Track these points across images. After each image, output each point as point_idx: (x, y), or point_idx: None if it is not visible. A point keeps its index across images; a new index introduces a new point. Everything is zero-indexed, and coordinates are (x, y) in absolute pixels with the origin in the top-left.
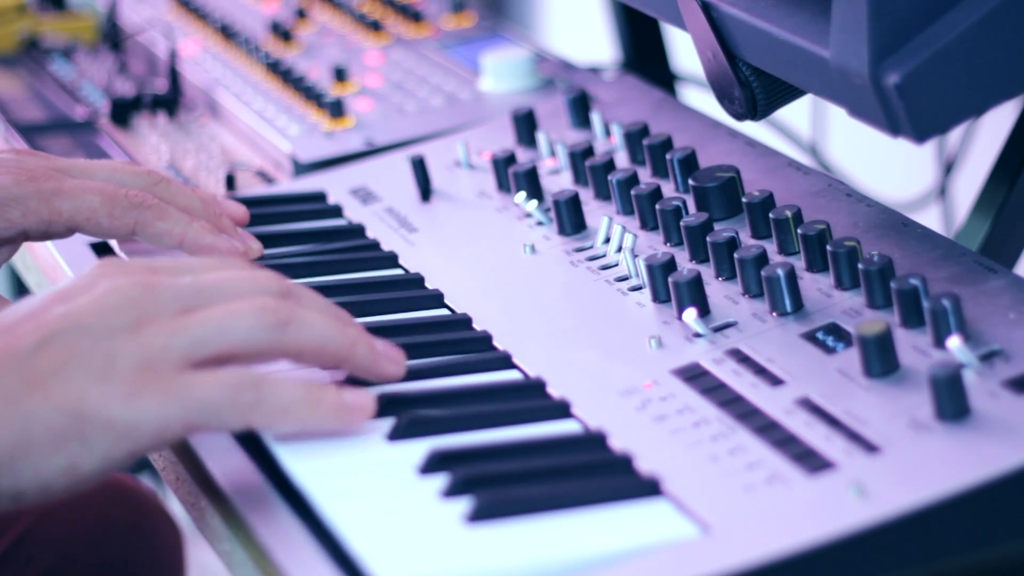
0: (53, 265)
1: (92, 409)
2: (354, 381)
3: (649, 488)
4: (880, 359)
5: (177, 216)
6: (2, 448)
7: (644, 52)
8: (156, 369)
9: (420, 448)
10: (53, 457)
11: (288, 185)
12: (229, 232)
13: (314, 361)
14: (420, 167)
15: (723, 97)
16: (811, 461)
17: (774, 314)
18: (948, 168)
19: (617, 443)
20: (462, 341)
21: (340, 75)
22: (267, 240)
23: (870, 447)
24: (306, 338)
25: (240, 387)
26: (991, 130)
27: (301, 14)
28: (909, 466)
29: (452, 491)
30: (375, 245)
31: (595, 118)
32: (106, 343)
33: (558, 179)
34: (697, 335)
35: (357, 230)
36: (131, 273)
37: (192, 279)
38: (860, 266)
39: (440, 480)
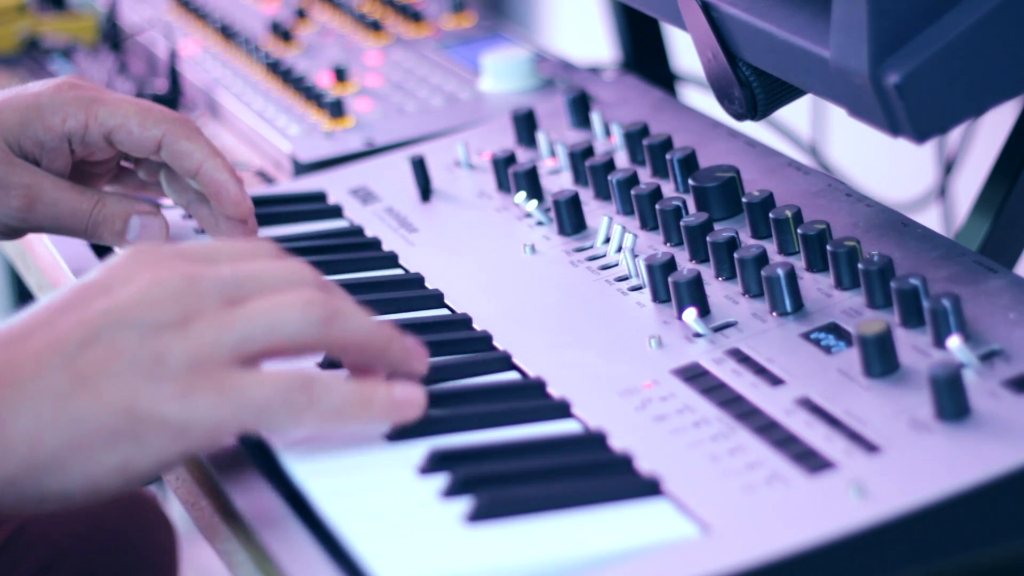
0: (53, 265)
1: (145, 408)
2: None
3: (649, 488)
4: (880, 359)
5: (204, 142)
6: (52, 448)
7: (644, 52)
8: (207, 367)
9: (420, 448)
10: (105, 456)
11: (288, 185)
12: None
13: (352, 356)
14: (420, 167)
15: (723, 97)
16: (811, 461)
17: (774, 314)
18: (948, 168)
19: (617, 443)
20: (462, 341)
21: (340, 75)
22: None
23: (870, 447)
24: (351, 333)
25: (292, 389)
26: (991, 130)
27: (301, 14)
28: (909, 466)
29: (452, 491)
30: (375, 245)
31: (595, 118)
32: (154, 340)
33: (558, 179)
34: (697, 335)
35: (357, 230)
36: (168, 261)
37: (230, 269)
38: (860, 266)
39: (440, 480)
